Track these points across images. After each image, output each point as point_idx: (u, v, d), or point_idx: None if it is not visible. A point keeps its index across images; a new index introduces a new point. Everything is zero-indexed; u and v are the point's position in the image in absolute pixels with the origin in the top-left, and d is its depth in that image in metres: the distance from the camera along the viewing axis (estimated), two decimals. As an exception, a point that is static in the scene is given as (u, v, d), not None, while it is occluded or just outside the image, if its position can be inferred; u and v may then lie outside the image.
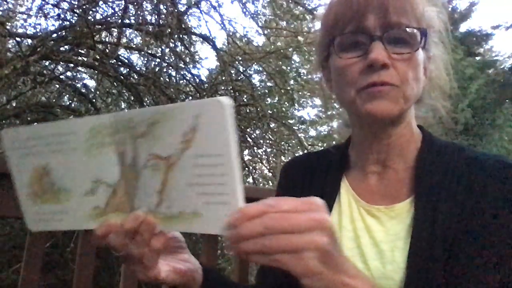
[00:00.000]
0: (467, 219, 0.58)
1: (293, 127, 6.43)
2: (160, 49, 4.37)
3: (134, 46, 4.83)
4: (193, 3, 4.31)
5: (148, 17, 4.00)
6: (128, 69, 4.67)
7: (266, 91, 6.23)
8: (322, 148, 0.85)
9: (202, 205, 0.46)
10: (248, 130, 5.06)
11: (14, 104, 4.34)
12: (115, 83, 4.77)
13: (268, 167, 5.62)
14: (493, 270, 0.56)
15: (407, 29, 0.61)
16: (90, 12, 3.87)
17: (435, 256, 0.57)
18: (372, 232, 0.65)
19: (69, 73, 4.51)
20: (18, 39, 3.78)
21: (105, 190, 0.53)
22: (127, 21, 3.96)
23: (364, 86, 0.61)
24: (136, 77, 4.65)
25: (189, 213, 0.47)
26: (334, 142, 0.84)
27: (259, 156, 5.30)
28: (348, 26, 0.63)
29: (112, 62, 4.12)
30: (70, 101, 4.97)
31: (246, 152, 5.22)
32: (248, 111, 4.68)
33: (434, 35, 0.68)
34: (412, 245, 0.59)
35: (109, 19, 4.09)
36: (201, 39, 4.75)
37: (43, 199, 0.57)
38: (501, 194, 0.58)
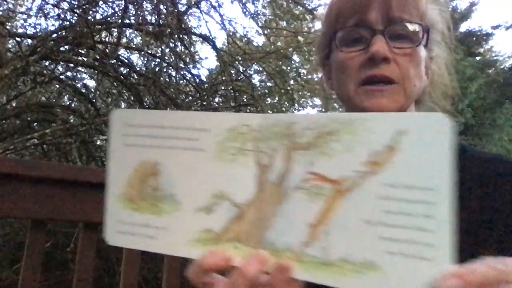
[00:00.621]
0: (473, 217, 0.58)
1: (293, 127, 6.41)
2: (160, 49, 4.37)
3: (134, 46, 4.82)
4: (193, 3, 4.30)
5: (148, 17, 4.00)
6: (128, 69, 4.67)
7: (266, 91, 6.23)
8: None
9: (382, 255, 0.34)
10: (248, 130, 5.04)
11: (14, 104, 4.33)
12: (115, 83, 4.76)
13: (268, 167, 5.59)
14: None
15: (409, 25, 0.61)
16: (90, 12, 3.87)
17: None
18: None
19: (69, 73, 4.50)
20: (18, 39, 3.78)
21: (228, 210, 0.40)
22: (127, 21, 3.95)
23: (364, 80, 0.61)
24: (136, 77, 4.64)
25: (357, 263, 0.34)
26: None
27: (259, 156, 5.29)
28: (350, 20, 0.63)
29: (112, 62, 4.12)
30: (70, 101, 4.97)
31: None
32: (248, 111, 4.67)
33: (437, 34, 0.68)
34: None
35: (109, 19, 4.08)
36: (201, 39, 4.75)
37: (138, 206, 0.44)
38: (507, 191, 0.59)
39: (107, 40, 4.42)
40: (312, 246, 0.36)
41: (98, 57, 3.75)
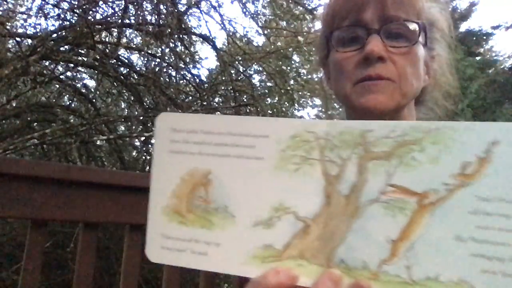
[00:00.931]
0: None
1: (293, 127, 6.41)
2: (160, 49, 4.37)
3: (134, 46, 4.82)
4: (193, 3, 4.31)
5: (148, 17, 4.00)
6: (128, 69, 4.67)
7: (266, 91, 6.23)
8: None
9: (478, 274, 0.31)
10: (248, 130, 5.05)
11: (14, 104, 4.33)
12: (115, 83, 4.77)
13: (268, 167, 5.59)
14: None
15: (406, 23, 0.60)
16: (90, 12, 3.87)
17: None
18: None
19: (69, 73, 4.50)
20: (18, 39, 3.78)
21: (290, 224, 0.37)
22: (127, 21, 3.95)
23: (360, 79, 0.60)
24: (136, 77, 4.65)
25: (447, 282, 0.32)
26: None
27: (259, 156, 5.29)
28: (345, 20, 0.62)
29: (112, 62, 4.12)
30: (70, 101, 4.97)
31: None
32: (248, 111, 4.68)
33: (437, 33, 0.67)
34: None
35: (109, 19, 4.08)
36: (201, 39, 4.75)
37: (186, 219, 0.40)
38: None
39: (107, 40, 4.42)
40: (392, 264, 0.33)
41: (98, 57, 3.75)
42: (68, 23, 3.83)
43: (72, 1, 3.74)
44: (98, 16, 4.10)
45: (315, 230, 0.36)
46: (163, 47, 4.25)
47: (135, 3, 3.78)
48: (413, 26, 0.61)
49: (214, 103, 4.96)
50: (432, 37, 0.66)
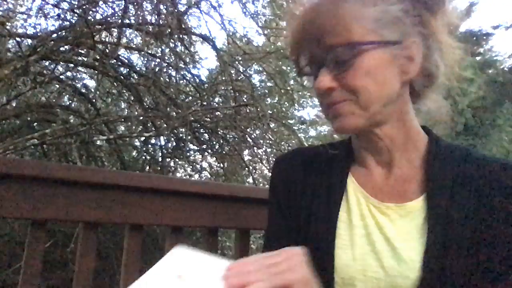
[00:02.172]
0: (481, 221, 0.61)
1: (293, 127, 6.43)
2: (160, 49, 4.37)
3: (134, 46, 4.82)
4: (193, 3, 4.31)
5: (148, 17, 4.00)
6: (128, 69, 4.67)
7: (266, 91, 6.23)
8: (310, 145, 0.87)
9: None
10: (248, 130, 5.05)
11: (14, 104, 4.33)
12: (115, 83, 4.77)
13: (268, 167, 5.62)
14: (510, 272, 0.58)
15: (338, 49, 0.62)
16: (90, 12, 3.87)
17: (451, 256, 0.59)
18: (384, 229, 0.66)
19: (69, 73, 4.51)
20: (18, 39, 3.78)
21: None
22: (127, 21, 3.95)
23: (325, 108, 0.67)
24: (136, 77, 4.65)
25: None
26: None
27: (259, 156, 5.30)
28: (301, 58, 0.68)
29: (112, 62, 4.12)
30: (70, 101, 4.97)
31: (246, 152, 5.22)
32: (248, 111, 4.67)
33: (408, 18, 0.63)
34: (428, 245, 0.61)
35: (109, 19, 4.08)
36: (201, 39, 4.75)
37: None
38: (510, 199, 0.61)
39: (107, 40, 4.42)
40: None
41: (98, 57, 3.75)
42: (68, 23, 3.83)
43: (72, 1, 3.74)
44: (98, 16, 4.10)
45: None
46: (163, 47, 4.25)
47: (135, 3, 3.78)
48: (344, 49, 0.61)
49: (214, 103, 4.96)
50: (401, 30, 0.63)
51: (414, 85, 0.68)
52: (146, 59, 4.77)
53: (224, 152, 4.94)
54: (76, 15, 3.73)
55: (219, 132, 4.76)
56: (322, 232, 0.69)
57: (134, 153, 5.68)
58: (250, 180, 5.26)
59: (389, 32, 0.62)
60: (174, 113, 4.27)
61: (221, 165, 5.18)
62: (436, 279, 0.59)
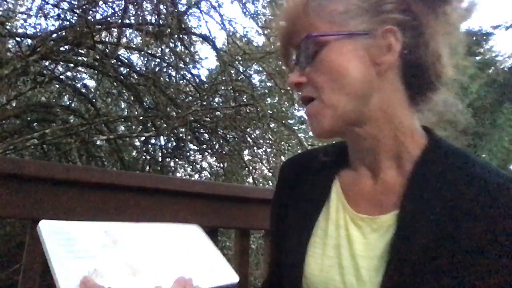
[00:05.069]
0: (449, 247, 0.54)
1: (293, 127, 6.42)
2: (160, 49, 4.37)
3: (134, 46, 4.82)
4: (193, 3, 4.31)
5: (148, 17, 4.01)
6: (128, 69, 4.67)
7: (266, 91, 6.23)
8: (321, 145, 0.85)
9: None
10: (248, 130, 5.05)
11: (14, 104, 4.33)
12: (115, 83, 4.77)
13: (268, 167, 5.62)
14: None
15: (303, 44, 0.63)
16: (90, 12, 3.87)
17: (412, 281, 0.54)
18: (353, 243, 0.62)
19: (69, 73, 4.51)
20: (18, 39, 3.78)
21: None
22: (127, 21, 3.95)
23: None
24: (136, 77, 4.65)
25: None
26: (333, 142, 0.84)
27: (259, 156, 5.30)
28: (289, 61, 0.69)
29: (112, 62, 4.12)
30: (70, 101, 4.97)
31: (246, 152, 5.22)
32: (248, 111, 4.67)
33: (388, 5, 0.60)
34: (389, 268, 0.57)
35: (109, 19, 4.08)
36: (201, 39, 4.75)
37: None
38: (492, 228, 0.53)
39: (107, 40, 4.42)
40: None
41: (98, 57, 3.75)
42: (68, 23, 3.83)
43: (72, 1, 3.74)
44: (98, 16, 4.10)
45: None
46: (163, 47, 4.25)
47: (135, 3, 3.78)
48: (307, 45, 0.62)
49: (214, 103, 4.96)
50: (375, 20, 0.59)
51: (409, 84, 0.62)
52: (146, 59, 4.77)
53: (224, 152, 4.94)
54: (76, 15, 3.73)
55: (219, 132, 4.76)
56: (297, 238, 0.68)
57: (134, 153, 5.68)
58: (250, 180, 5.26)
59: (358, 23, 0.59)
60: (174, 113, 4.27)
61: (221, 165, 5.18)
62: None
